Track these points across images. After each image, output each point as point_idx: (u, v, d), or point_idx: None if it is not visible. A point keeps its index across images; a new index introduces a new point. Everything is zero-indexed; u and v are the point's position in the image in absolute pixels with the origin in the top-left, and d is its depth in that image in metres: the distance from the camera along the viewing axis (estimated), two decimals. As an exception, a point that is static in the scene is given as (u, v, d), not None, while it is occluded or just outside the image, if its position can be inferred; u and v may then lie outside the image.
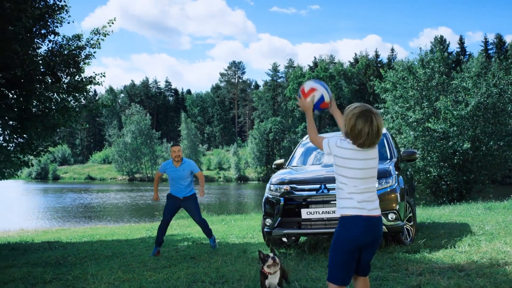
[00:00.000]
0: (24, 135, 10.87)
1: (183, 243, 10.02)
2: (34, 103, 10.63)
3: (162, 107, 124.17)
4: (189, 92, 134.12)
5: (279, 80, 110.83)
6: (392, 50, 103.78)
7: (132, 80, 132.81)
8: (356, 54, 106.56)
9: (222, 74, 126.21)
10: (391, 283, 4.98)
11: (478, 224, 8.88)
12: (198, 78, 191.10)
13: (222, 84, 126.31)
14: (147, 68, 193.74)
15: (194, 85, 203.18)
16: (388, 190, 6.85)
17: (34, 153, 11.32)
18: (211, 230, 8.78)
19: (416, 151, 8.55)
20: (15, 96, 10.45)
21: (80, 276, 6.76)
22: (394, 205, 6.79)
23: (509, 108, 19.67)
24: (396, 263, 5.90)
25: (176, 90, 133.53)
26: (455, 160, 19.39)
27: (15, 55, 8.64)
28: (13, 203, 37.92)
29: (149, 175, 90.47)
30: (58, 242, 12.64)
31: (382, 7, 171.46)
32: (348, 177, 3.44)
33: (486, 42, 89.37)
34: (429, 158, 19.89)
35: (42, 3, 9.37)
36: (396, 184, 7.04)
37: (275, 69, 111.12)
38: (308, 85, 3.49)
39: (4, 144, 10.66)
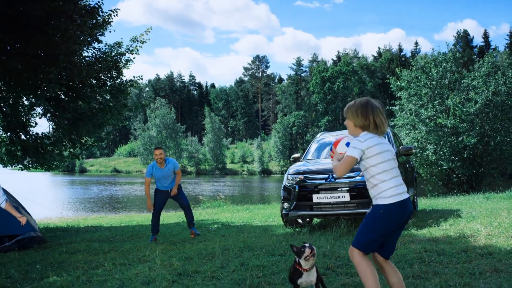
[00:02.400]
0: (74, 132, 12.50)
1: (214, 225, 11.59)
2: (83, 105, 12.24)
3: (186, 101, 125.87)
4: (213, 86, 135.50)
5: (302, 74, 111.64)
6: (416, 43, 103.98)
7: (157, 74, 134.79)
8: (379, 48, 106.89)
9: (245, 68, 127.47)
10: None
11: (467, 210, 10.25)
12: (222, 72, 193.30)
13: (245, 78, 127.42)
14: (171, 62, 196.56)
15: (218, 79, 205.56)
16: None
17: (84, 147, 13.00)
18: (193, 219, 9.80)
19: (412, 147, 9.91)
20: (65, 98, 12.08)
21: (132, 248, 8.35)
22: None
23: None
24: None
25: (200, 84, 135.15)
26: (465, 154, 20.59)
27: (74, 66, 10.27)
28: (45, 194, 39.83)
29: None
30: (101, 226, 14.28)
31: (407, 1, 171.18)
32: (391, 168, 3.70)
33: (511, 35, 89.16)
34: (441, 152, 21.09)
35: (93, 21, 10.91)
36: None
37: (298, 63, 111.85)
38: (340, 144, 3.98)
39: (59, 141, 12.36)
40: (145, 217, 17.80)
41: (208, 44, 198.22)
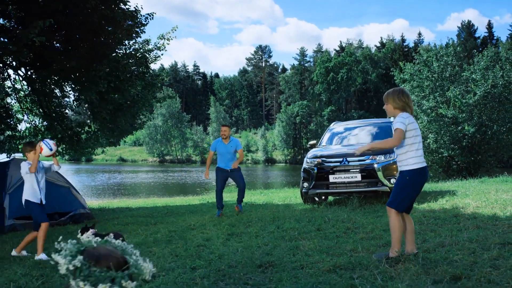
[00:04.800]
0: (113, 122, 13.89)
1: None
2: (120, 97, 13.61)
3: (190, 91, 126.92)
4: (217, 75, 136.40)
5: (306, 64, 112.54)
6: (419, 34, 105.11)
7: (161, 64, 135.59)
8: (382, 38, 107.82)
9: (248, 59, 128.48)
10: (381, 214, 7.88)
11: (462, 191, 11.69)
12: (225, 62, 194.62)
13: (249, 68, 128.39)
14: (174, 52, 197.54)
15: (221, 69, 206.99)
16: (391, 162, 9.71)
17: (120, 135, 14.45)
18: (243, 198, 10.71)
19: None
20: (108, 92, 13.46)
21: (176, 221, 9.78)
22: (394, 172, 9.61)
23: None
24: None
25: (204, 74, 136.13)
26: (464, 143, 22.04)
27: (119, 64, 11.70)
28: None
29: (179, 157, 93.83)
30: (130, 207, 15.58)
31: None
32: (419, 142, 4.90)
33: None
34: (441, 141, 22.56)
35: (130, 22, 12.27)
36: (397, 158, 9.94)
37: (302, 53, 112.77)
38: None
39: (98, 131, 13.83)
40: (169, 200, 19.24)
41: (212, 34, 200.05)
